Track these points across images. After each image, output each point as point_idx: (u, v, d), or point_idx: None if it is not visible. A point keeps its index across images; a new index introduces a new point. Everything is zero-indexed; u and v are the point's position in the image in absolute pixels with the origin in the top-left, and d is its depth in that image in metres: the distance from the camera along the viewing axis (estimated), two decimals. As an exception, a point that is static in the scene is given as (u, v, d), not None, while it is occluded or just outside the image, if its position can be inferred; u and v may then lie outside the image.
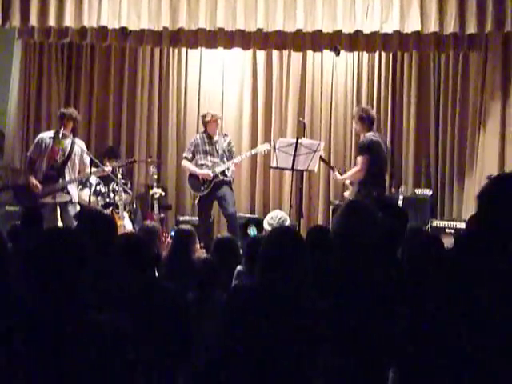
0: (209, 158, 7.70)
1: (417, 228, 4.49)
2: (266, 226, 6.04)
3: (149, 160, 8.51)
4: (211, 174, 7.58)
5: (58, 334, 2.11)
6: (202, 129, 8.02)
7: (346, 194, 7.09)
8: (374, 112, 7.33)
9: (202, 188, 7.67)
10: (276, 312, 2.63)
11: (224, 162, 7.70)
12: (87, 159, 7.16)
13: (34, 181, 7.03)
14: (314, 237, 4.44)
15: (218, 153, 7.73)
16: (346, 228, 3.36)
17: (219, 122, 7.91)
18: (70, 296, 2.14)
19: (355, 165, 7.10)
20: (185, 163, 7.90)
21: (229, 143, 7.88)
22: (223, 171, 7.66)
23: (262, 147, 7.97)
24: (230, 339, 2.68)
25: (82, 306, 2.15)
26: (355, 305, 3.02)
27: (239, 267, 4.72)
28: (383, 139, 7.26)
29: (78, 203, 7.27)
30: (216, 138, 7.79)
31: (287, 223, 5.91)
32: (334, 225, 3.62)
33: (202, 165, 7.71)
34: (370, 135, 6.84)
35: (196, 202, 8.03)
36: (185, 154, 7.93)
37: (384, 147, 6.96)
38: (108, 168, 7.35)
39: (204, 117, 7.84)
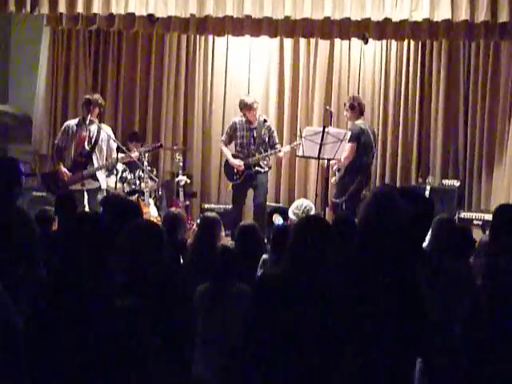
0: (245, 145, 7.60)
1: (445, 218, 4.43)
2: (291, 215, 6.01)
3: (174, 147, 8.52)
4: (242, 166, 7.50)
5: (84, 321, 2.11)
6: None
7: (333, 180, 7.26)
8: (363, 101, 7.56)
9: (235, 177, 7.62)
10: (304, 301, 2.61)
11: (260, 152, 7.59)
12: (114, 145, 7.16)
13: (62, 168, 7.04)
14: (340, 226, 4.42)
15: (255, 140, 7.61)
16: (370, 217, 3.31)
17: (257, 108, 7.71)
18: (96, 282, 2.14)
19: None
20: (222, 148, 7.85)
21: (268, 128, 7.68)
22: (258, 162, 7.59)
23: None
24: (258, 328, 2.67)
25: (108, 292, 2.15)
26: (380, 301, 2.98)
27: (265, 256, 4.70)
28: (371, 128, 7.49)
29: (106, 190, 7.29)
30: (255, 124, 7.65)
31: (312, 212, 5.87)
32: (358, 214, 3.58)
33: (237, 151, 7.64)
34: (359, 123, 7.10)
35: (229, 188, 7.97)
36: (222, 138, 7.88)
37: (372, 136, 7.20)
38: (135, 154, 7.33)
39: (246, 103, 7.57)
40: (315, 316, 2.60)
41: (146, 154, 7.77)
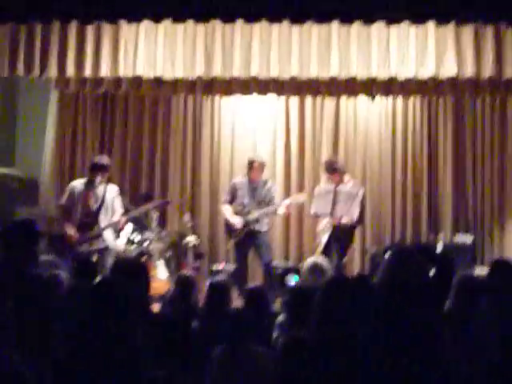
0: (246, 203, 7.57)
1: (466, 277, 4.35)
2: (307, 275, 5.86)
3: (181, 207, 8.46)
4: (240, 224, 7.46)
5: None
6: (238, 174, 7.94)
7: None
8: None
9: (234, 234, 7.58)
10: (336, 365, 2.54)
11: (260, 209, 7.58)
12: (120, 205, 7.11)
13: (70, 230, 6.97)
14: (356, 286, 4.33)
15: (256, 199, 7.59)
16: (393, 276, 3.26)
17: (264, 168, 7.73)
18: (123, 352, 2.06)
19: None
20: (223, 208, 7.79)
21: (268, 189, 7.67)
22: (256, 219, 7.55)
23: (301, 197, 7.81)
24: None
25: (136, 360, 2.07)
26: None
27: (280, 317, 4.60)
28: None
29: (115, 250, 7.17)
30: (257, 183, 7.63)
31: (327, 269, 5.76)
32: (380, 272, 3.52)
33: (237, 211, 7.60)
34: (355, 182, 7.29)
35: (228, 246, 7.93)
36: (224, 197, 7.84)
37: None
38: (122, 220, 7.18)
39: (253, 162, 7.60)
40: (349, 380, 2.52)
41: (155, 215, 7.71)
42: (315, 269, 5.25)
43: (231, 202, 7.67)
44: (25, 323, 2.98)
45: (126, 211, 7.13)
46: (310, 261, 5.44)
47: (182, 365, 3.35)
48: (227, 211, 7.64)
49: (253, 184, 7.61)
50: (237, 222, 7.48)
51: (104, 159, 7.19)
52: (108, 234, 7.11)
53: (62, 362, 2.29)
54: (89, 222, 7.03)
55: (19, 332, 2.47)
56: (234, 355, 3.76)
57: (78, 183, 7.18)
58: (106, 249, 7.03)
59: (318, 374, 2.57)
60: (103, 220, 7.05)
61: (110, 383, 2.02)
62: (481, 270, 7.67)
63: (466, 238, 8.20)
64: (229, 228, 7.63)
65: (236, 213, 7.58)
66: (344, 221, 7.09)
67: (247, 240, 7.57)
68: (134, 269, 3.72)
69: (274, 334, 4.51)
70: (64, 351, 2.38)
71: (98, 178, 7.01)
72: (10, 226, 3.52)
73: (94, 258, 7.02)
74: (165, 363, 2.58)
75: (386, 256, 3.65)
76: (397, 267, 3.36)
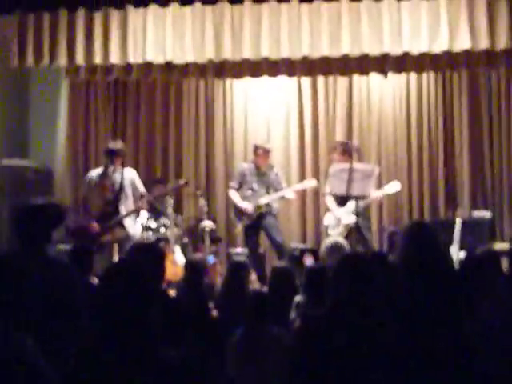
0: (255, 188, 7.55)
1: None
2: (324, 255, 5.81)
3: (197, 192, 8.43)
4: (250, 209, 7.43)
5: (127, 372, 2.00)
6: (249, 158, 7.91)
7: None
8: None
9: (244, 218, 7.54)
10: (352, 342, 2.49)
11: (269, 194, 7.54)
12: (140, 186, 7.06)
13: (91, 221, 6.93)
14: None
15: (264, 185, 7.58)
16: (408, 251, 3.22)
17: (270, 154, 7.74)
18: (138, 333, 2.03)
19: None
20: (231, 193, 7.77)
21: (276, 174, 7.69)
22: (268, 203, 7.51)
23: (309, 183, 7.78)
24: (303, 374, 2.54)
25: (151, 342, 2.04)
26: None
27: (297, 297, 4.56)
28: None
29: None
30: (264, 169, 7.64)
31: (345, 249, 5.71)
32: (400, 249, 3.46)
33: (246, 196, 7.57)
34: None
35: (236, 230, 7.91)
36: (231, 184, 7.80)
37: None
38: (142, 204, 7.10)
39: (257, 148, 7.65)
40: (365, 358, 2.47)
41: (171, 201, 7.66)
42: (335, 249, 5.20)
43: (239, 187, 7.63)
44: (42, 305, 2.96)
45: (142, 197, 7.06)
46: (329, 241, 5.39)
47: (198, 347, 3.32)
48: (236, 197, 7.61)
49: (260, 169, 7.58)
50: (247, 206, 7.44)
51: (118, 144, 7.14)
52: (129, 222, 7.05)
53: (80, 346, 2.26)
54: (109, 210, 6.97)
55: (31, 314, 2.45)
56: (255, 337, 3.72)
57: (95, 173, 7.14)
58: (128, 237, 6.97)
59: (333, 352, 2.52)
60: (123, 207, 6.98)
61: (124, 364, 1.99)
62: (500, 246, 7.59)
63: (484, 214, 8.09)
64: (238, 213, 7.59)
65: (245, 198, 7.54)
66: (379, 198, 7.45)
67: (256, 224, 7.53)
68: (151, 252, 3.68)
69: (292, 315, 4.48)
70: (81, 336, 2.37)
71: (114, 165, 6.96)
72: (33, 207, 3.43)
73: (115, 247, 7.00)
74: (180, 345, 2.54)
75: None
76: (411, 241, 3.32)
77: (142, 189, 7.06)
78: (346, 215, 7.33)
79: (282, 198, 7.66)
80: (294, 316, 4.46)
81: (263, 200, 7.47)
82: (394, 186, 7.61)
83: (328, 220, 7.72)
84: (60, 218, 3.52)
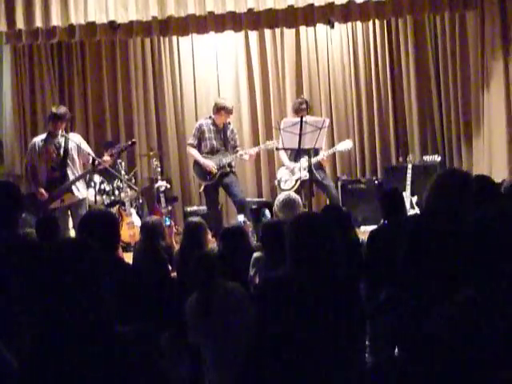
0: (215, 146, 7.51)
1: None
2: (278, 212, 5.83)
3: (150, 153, 8.38)
4: (215, 168, 7.41)
5: (85, 351, 1.99)
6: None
7: None
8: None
9: (208, 177, 7.51)
10: (315, 301, 2.53)
11: (228, 151, 7.53)
12: (87, 149, 6.92)
13: (39, 188, 6.82)
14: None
15: (223, 141, 7.54)
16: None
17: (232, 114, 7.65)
18: (94, 310, 2.02)
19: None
20: (190, 150, 7.69)
21: (232, 131, 7.65)
22: (230, 163, 7.51)
23: (270, 144, 7.76)
24: (263, 335, 2.58)
25: (103, 317, 2.03)
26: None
27: (256, 254, 4.59)
28: None
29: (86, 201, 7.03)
30: (221, 125, 7.57)
31: (299, 204, 5.75)
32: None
33: (207, 153, 7.53)
34: None
35: (201, 189, 7.87)
36: (190, 141, 7.70)
37: None
38: (106, 158, 6.98)
39: (221, 108, 7.45)
40: (328, 316, 2.52)
41: (123, 163, 7.61)
42: (287, 203, 5.23)
43: (198, 144, 7.58)
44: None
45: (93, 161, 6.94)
46: (281, 196, 5.41)
47: (155, 317, 3.27)
48: (197, 155, 7.56)
49: (218, 126, 7.53)
50: (211, 165, 7.41)
51: (61, 109, 6.94)
52: (79, 185, 6.94)
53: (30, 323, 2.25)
54: (57, 176, 6.86)
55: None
56: (209, 296, 3.69)
57: (39, 139, 6.94)
58: (80, 202, 6.89)
59: (295, 314, 2.55)
60: (71, 172, 6.88)
61: (76, 340, 1.98)
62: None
63: (434, 159, 8.24)
64: (202, 172, 7.55)
65: (205, 156, 7.50)
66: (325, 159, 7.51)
67: (217, 182, 7.54)
68: (104, 220, 3.62)
69: (251, 271, 4.52)
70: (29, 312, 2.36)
71: (57, 129, 6.82)
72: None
73: (68, 213, 6.93)
74: (136, 317, 2.53)
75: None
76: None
77: (89, 152, 6.90)
78: (299, 170, 7.42)
79: (241, 157, 7.64)
80: (253, 272, 4.49)
81: (226, 159, 7.44)
82: (345, 144, 7.71)
83: (280, 174, 7.79)
84: (18, 196, 3.50)
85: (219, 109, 7.47)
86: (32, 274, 2.44)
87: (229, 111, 7.49)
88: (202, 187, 7.74)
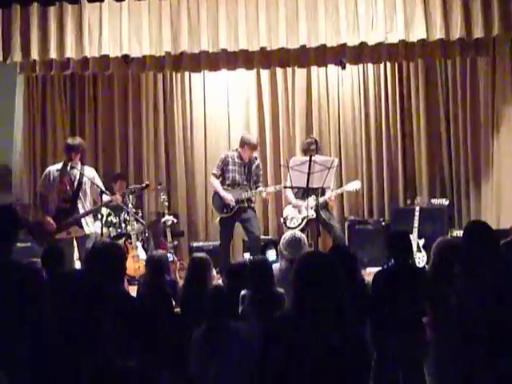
0: (237, 179, 7.46)
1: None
2: (283, 250, 5.79)
3: (158, 187, 8.39)
4: (233, 202, 7.38)
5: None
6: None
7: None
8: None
9: (225, 210, 7.46)
10: (317, 351, 2.49)
11: (250, 186, 7.48)
12: (100, 183, 6.95)
13: (47, 218, 6.81)
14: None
15: (246, 176, 7.50)
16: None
17: (257, 150, 7.66)
18: (93, 343, 1.99)
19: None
20: (212, 180, 7.64)
21: (257, 166, 7.60)
22: (249, 198, 7.48)
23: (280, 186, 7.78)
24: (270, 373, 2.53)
25: (107, 353, 2.00)
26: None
27: (243, 292, 4.54)
28: None
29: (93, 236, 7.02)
30: (246, 160, 7.52)
31: (304, 243, 5.71)
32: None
33: (228, 185, 7.47)
34: None
35: (217, 220, 7.78)
36: (213, 171, 7.65)
37: None
38: (117, 197, 7.06)
39: (244, 143, 7.46)
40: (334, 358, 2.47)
41: (131, 196, 7.62)
42: (292, 242, 5.21)
43: (221, 176, 7.56)
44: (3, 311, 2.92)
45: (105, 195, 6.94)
46: (287, 234, 5.39)
47: (158, 353, 3.23)
48: (218, 185, 7.52)
49: (244, 160, 7.52)
50: (230, 198, 7.38)
51: (76, 140, 7.03)
52: (88, 220, 6.94)
53: (35, 349, 2.22)
54: (66, 208, 6.85)
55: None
56: (216, 333, 3.68)
57: (54, 168, 7.00)
58: (86, 236, 6.86)
59: (298, 353, 2.51)
60: (81, 205, 6.88)
61: (78, 373, 1.95)
62: (458, 233, 7.72)
63: (442, 202, 8.21)
64: (220, 204, 7.51)
65: (227, 188, 7.47)
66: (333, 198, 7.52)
67: (235, 217, 7.49)
68: (110, 253, 3.60)
69: (240, 308, 4.48)
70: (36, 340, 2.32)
71: (72, 161, 6.86)
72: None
73: (74, 246, 6.91)
74: (138, 352, 2.49)
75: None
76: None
77: (102, 188, 6.92)
78: (305, 209, 7.41)
79: (259, 193, 7.58)
80: (242, 308, 4.46)
81: (245, 194, 7.42)
82: (354, 184, 7.70)
83: (287, 212, 7.76)
84: (19, 220, 3.48)
85: (243, 143, 7.49)
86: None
87: (252, 146, 7.48)
88: (218, 218, 7.68)
